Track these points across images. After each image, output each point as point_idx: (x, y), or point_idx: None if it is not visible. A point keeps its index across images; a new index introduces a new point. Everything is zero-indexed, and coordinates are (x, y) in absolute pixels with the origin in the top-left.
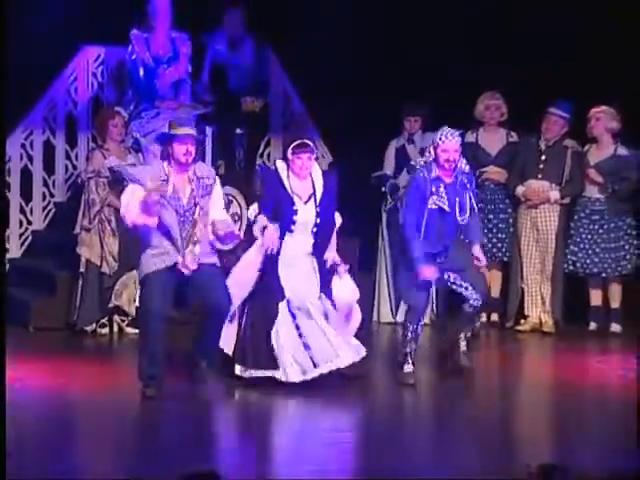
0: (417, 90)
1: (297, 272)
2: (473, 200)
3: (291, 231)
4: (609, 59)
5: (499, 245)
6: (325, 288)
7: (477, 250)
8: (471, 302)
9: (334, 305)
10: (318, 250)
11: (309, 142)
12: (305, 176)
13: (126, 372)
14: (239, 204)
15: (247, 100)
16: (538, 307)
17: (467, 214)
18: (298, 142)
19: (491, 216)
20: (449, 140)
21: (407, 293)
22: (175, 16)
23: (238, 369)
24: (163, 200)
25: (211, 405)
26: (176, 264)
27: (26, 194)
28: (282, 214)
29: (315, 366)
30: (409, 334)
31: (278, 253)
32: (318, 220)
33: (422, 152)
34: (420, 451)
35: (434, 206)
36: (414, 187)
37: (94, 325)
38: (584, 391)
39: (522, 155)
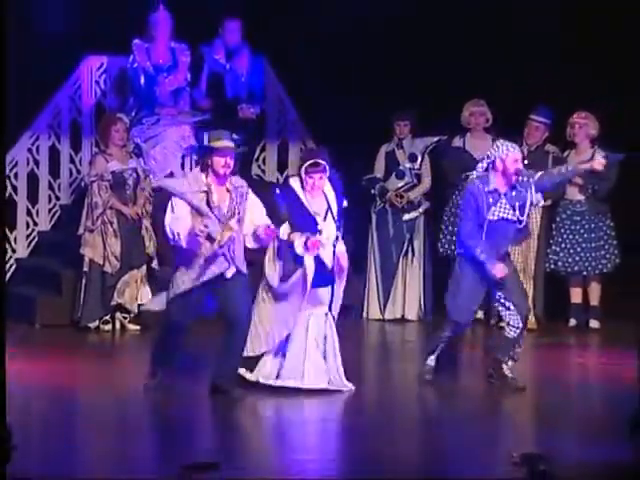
0: (407, 96)
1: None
2: (532, 190)
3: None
4: (585, 67)
5: None
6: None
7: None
8: (512, 324)
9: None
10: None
11: (321, 161)
12: (318, 194)
13: (127, 367)
14: None
15: (243, 107)
16: None
17: (527, 210)
18: (311, 162)
19: None
20: (515, 150)
21: (452, 308)
22: (175, 27)
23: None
24: (206, 210)
25: (214, 405)
26: (223, 273)
27: (32, 197)
28: (306, 231)
29: (277, 377)
30: (443, 338)
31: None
32: (339, 233)
33: (411, 157)
34: (408, 441)
35: (495, 217)
36: (468, 198)
37: (97, 322)
38: (565, 384)
39: None
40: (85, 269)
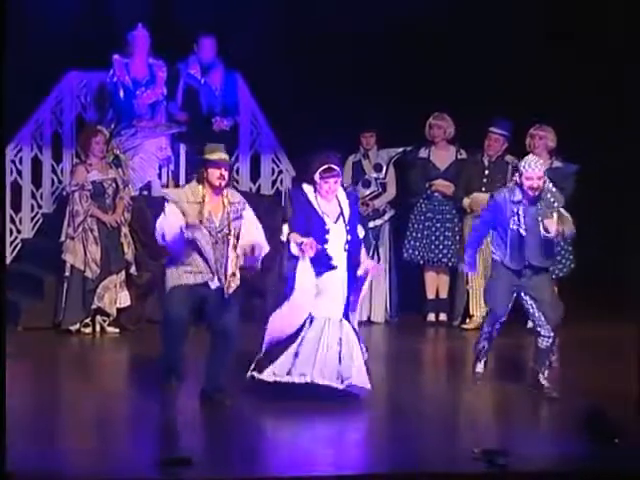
0: (373, 109)
1: (326, 289)
2: (562, 215)
3: (326, 250)
4: (542, 81)
5: (445, 251)
6: (350, 304)
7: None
8: (543, 334)
9: (354, 329)
10: (351, 265)
11: (336, 167)
12: (332, 198)
13: (107, 367)
14: None
15: (217, 120)
16: (482, 307)
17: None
18: (326, 167)
19: (438, 225)
20: (532, 169)
21: (489, 297)
22: (152, 44)
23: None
24: (197, 222)
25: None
26: (206, 282)
27: (16, 205)
28: (314, 234)
29: (288, 374)
30: (483, 334)
31: (322, 270)
32: (349, 237)
33: (376, 167)
34: (375, 437)
35: (515, 227)
36: (492, 205)
37: (78, 325)
38: (523, 383)
39: (467, 170)
40: (66, 274)
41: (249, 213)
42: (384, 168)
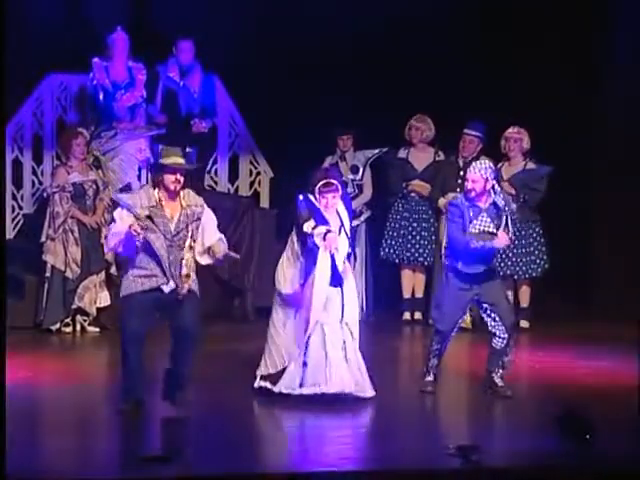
0: (350, 110)
1: (332, 296)
2: (509, 220)
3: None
4: (515, 84)
5: (421, 251)
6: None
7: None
8: (498, 335)
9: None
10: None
11: (334, 181)
12: (332, 212)
13: (86, 366)
14: None
15: (196, 122)
16: None
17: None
18: (324, 182)
19: (415, 224)
20: (471, 171)
21: (438, 314)
22: (131, 47)
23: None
24: (152, 225)
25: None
26: (160, 286)
27: None
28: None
29: (301, 386)
30: (432, 352)
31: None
32: (350, 250)
33: (353, 169)
34: (352, 435)
35: (476, 230)
36: (452, 211)
37: (59, 324)
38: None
39: (443, 171)
40: (47, 275)
41: (208, 215)
42: (360, 170)
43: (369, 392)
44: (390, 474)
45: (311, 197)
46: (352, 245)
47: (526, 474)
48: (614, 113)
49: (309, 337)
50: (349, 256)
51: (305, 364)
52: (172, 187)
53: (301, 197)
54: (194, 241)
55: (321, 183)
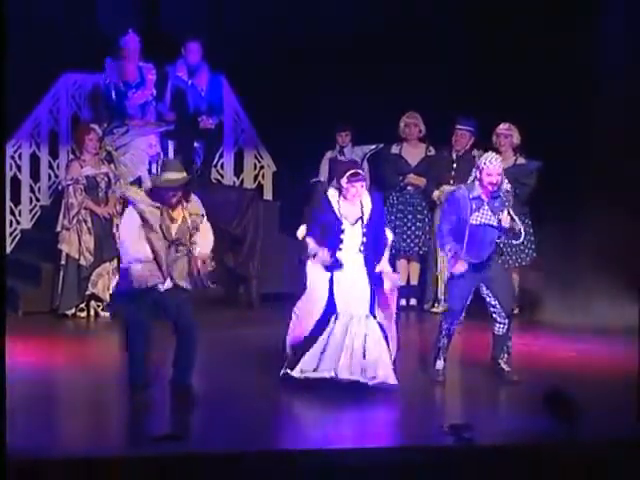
0: (348, 108)
1: (348, 289)
2: (512, 214)
3: (340, 249)
4: (505, 80)
5: (416, 241)
6: (375, 304)
7: None
8: (499, 320)
9: (380, 325)
10: (370, 266)
11: (361, 171)
12: (356, 201)
13: (100, 349)
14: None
15: (203, 118)
16: None
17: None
18: (352, 171)
19: (410, 216)
20: (492, 164)
21: (448, 296)
22: (142, 49)
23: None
24: (156, 227)
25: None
26: (156, 285)
27: (15, 198)
28: (330, 235)
29: (315, 370)
30: (443, 331)
31: (332, 270)
32: (364, 239)
33: None
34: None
35: (477, 222)
36: (451, 201)
37: (74, 309)
38: (488, 362)
39: (437, 165)
40: (62, 263)
41: (205, 226)
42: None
43: (390, 383)
44: (383, 452)
45: (331, 192)
46: (380, 237)
47: (517, 452)
48: (607, 112)
49: (331, 328)
50: (364, 246)
51: (324, 351)
52: (169, 202)
53: (321, 195)
54: (192, 246)
55: (350, 172)
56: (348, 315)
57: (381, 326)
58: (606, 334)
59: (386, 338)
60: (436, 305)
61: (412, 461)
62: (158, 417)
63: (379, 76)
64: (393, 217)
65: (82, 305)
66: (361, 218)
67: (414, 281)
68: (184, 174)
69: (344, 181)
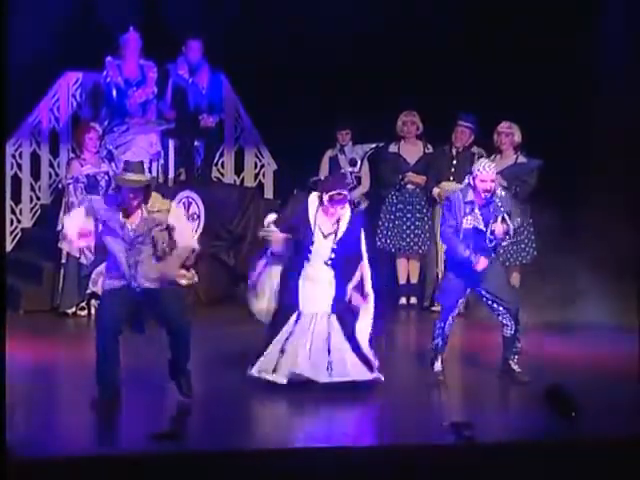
0: (349, 107)
1: (313, 289)
2: (507, 219)
3: (308, 259)
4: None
5: (416, 240)
6: (340, 312)
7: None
8: (506, 322)
9: (344, 322)
10: (339, 279)
11: (345, 193)
12: (333, 218)
13: None
14: (197, 205)
15: (204, 117)
16: None
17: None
18: (336, 194)
19: (409, 215)
20: (486, 171)
21: (440, 296)
22: (143, 47)
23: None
24: (113, 227)
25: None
26: (127, 286)
27: (16, 197)
28: (301, 243)
29: (274, 372)
30: (436, 331)
31: (299, 273)
32: (333, 255)
33: (351, 162)
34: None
35: (469, 225)
36: (447, 205)
37: (74, 308)
38: (488, 361)
39: (437, 161)
40: (63, 261)
41: (174, 216)
42: (359, 163)
43: (366, 377)
44: (384, 450)
45: (312, 197)
46: (353, 257)
47: (518, 450)
48: (607, 112)
49: (292, 327)
50: (332, 260)
51: (283, 351)
52: (128, 202)
53: (300, 196)
54: (163, 244)
55: (331, 193)
56: (310, 314)
57: (345, 323)
58: (606, 333)
59: (352, 335)
60: (436, 303)
61: (412, 459)
62: (158, 417)
63: (379, 76)
64: (392, 216)
65: (83, 304)
66: (335, 233)
67: (414, 279)
68: (145, 177)
69: (326, 199)
